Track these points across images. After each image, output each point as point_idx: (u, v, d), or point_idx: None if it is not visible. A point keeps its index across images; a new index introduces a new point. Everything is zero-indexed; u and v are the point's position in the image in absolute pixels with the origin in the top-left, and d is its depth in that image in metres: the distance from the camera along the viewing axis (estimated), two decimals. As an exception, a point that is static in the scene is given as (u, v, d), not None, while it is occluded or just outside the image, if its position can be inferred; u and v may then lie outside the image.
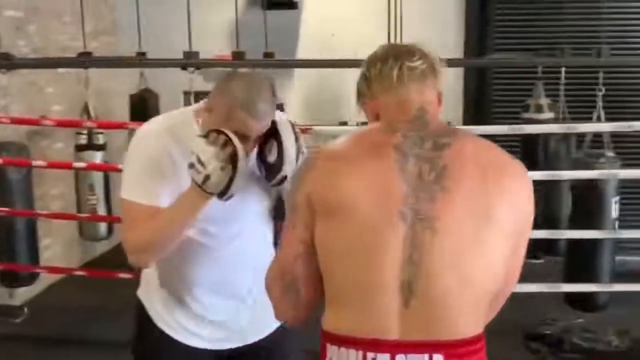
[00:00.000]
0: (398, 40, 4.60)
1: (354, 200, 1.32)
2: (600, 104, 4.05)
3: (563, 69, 4.40)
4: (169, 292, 1.95)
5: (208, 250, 1.87)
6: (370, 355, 1.29)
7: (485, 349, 1.37)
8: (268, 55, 5.18)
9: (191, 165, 1.72)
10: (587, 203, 3.82)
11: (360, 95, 1.51)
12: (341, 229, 1.33)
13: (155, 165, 1.81)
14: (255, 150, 1.88)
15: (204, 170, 1.69)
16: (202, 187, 1.71)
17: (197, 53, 4.60)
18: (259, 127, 1.79)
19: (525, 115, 4.63)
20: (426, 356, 1.28)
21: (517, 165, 1.41)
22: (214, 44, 5.57)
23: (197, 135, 1.75)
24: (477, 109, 5.70)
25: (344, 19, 5.85)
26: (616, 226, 3.87)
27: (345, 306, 1.34)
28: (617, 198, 3.83)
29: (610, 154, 3.90)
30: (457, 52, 5.59)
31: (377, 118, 1.47)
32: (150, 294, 1.99)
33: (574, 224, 3.92)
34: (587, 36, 5.20)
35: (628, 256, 4.95)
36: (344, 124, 5.67)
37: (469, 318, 1.32)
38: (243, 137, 1.75)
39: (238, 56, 4.64)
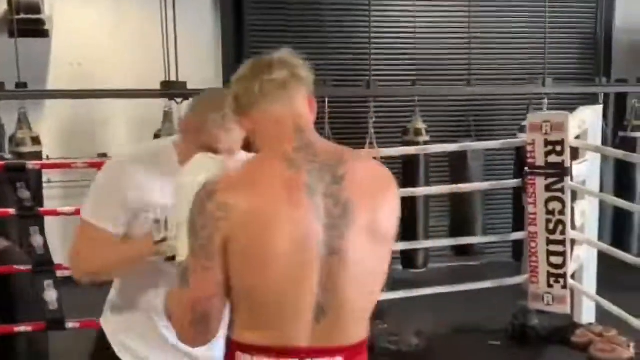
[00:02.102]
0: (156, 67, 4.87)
1: (275, 244, 1.44)
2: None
3: (326, 99, 4.95)
4: (129, 318, 2.04)
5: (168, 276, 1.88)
6: None
7: None
8: (20, 85, 5.09)
9: (156, 221, 1.85)
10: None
11: (235, 114, 1.60)
12: (263, 269, 1.46)
13: (110, 191, 1.94)
14: None
15: (164, 233, 1.83)
16: (156, 245, 1.86)
17: None
18: (229, 139, 1.89)
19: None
20: (329, 359, 1.51)
21: (391, 177, 1.61)
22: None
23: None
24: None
25: (94, 47, 5.90)
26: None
27: (263, 327, 1.50)
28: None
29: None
30: (217, 83, 5.97)
31: (254, 132, 1.58)
32: (110, 319, 2.09)
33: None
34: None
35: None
36: (104, 155, 5.70)
37: (362, 325, 1.57)
38: (214, 151, 1.86)
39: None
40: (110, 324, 2.08)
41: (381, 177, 1.59)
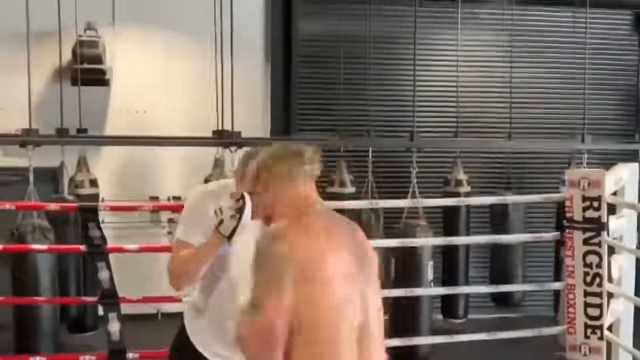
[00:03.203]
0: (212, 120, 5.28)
1: (332, 278, 1.80)
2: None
3: (370, 149, 5.30)
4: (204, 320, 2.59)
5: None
6: None
7: None
8: (81, 130, 5.55)
9: (214, 212, 2.42)
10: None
11: (258, 181, 2.03)
12: (321, 304, 1.79)
13: (195, 215, 2.56)
14: None
15: (220, 216, 2.40)
16: (218, 229, 2.41)
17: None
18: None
19: (330, 189, 5.47)
20: None
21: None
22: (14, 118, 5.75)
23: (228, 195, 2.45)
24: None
25: (150, 96, 6.36)
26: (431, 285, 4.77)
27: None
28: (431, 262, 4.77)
29: (424, 223, 4.83)
30: (265, 132, 6.37)
31: (271, 208, 2.00)
32: (190, 320, 2.65)
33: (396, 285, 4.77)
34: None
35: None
36: (155, 198, 6.12)
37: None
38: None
39: (27, 133, 4.87)
40: (191, 324, 2.63)
41: (360, 231, 2.01)
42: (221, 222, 2.42)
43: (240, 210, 2.41)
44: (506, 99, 6.40)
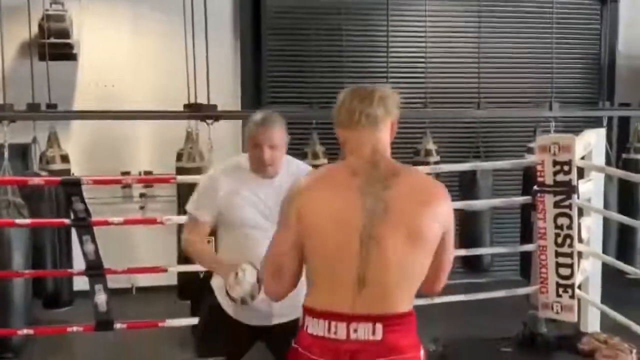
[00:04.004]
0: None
1: (325, 222, 2.00)
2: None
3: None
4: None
5: (256, 242, 2.63)
6: (332, 323, 1.98)
7: (415, 322, 2.08)
8: (51, 106, 5.57)
9: (235, 276, 2.67)
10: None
11: (335, 125, 2.14)
12: (316, 240, 2.01)
13: (206, 193, 2.90)
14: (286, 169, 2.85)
15: (238, 288, 2.68)
16: (227, 286, 2.70)
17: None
18: (267, 135, 2.77)
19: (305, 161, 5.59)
20: (370, 324, 1.96)
21: (440, 189, 2.10)
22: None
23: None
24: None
25: (118, 69, 6.40)
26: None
27: (319, 292, 2.03)
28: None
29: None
30: (235, 106, 6.47)
31: (344, 144, 2.13)
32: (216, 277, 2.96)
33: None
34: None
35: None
36: (127, 174, 6.17)
37: (402, 299, 2.02)
38: (258, 146, 2.77)
39: (2, 108, 4.93)
40: (217, 278, 2.91)
41: (427, 189, 2.09)
42: (236, 281, 2.68)
43: (252, 297, 2.70)
44: (475, 68, 6.60)
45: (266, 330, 2.90)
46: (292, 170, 2.84)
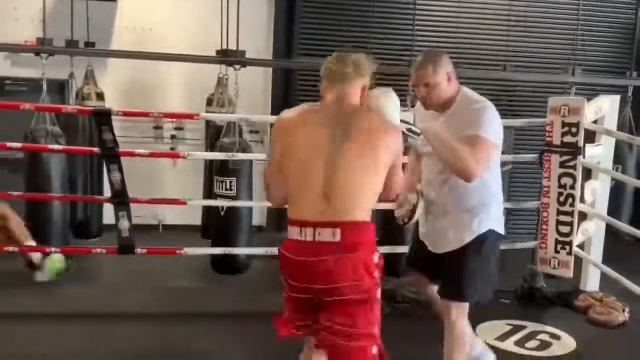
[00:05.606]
0: (215, 39, 5.69)
1: (297, 147, 2.62)
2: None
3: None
4: None
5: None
6: (303, 229, 2.55)
7: (372, 231, 2.61)
8: (89, 44, 5.96)
9: (404, 198, 3.23)
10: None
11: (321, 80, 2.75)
12: (291, 161, 2.62)
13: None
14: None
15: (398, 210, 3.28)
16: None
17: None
18: (419, 75, 3.21)
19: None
20: (331, 229, 2.51)
21: (391, 126, 2.70)
22: (24, 31, 6.18)
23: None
24: (283, 107, 6.85)
25: (158, 14, 6.75)
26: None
27: (294, 204, 2.63)
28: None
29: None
30: (267, 55, 6.79)
31: (322, 94, 2.73)
32: None
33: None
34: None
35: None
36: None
37: (358, 211, 2.57)
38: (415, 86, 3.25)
39: (42, 43, 5.30)
40: None
41: (382, 127, 2.66)
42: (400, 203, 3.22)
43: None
44: (504, 32, 6.80)
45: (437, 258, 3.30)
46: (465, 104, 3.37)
